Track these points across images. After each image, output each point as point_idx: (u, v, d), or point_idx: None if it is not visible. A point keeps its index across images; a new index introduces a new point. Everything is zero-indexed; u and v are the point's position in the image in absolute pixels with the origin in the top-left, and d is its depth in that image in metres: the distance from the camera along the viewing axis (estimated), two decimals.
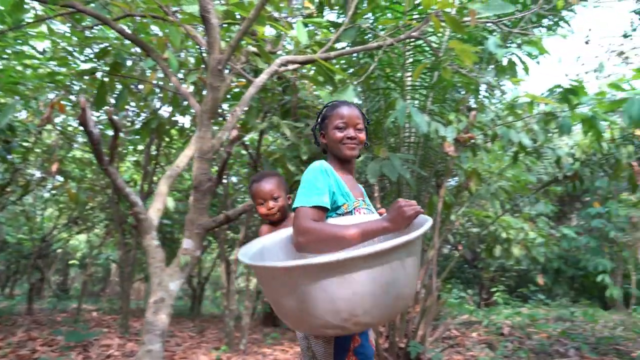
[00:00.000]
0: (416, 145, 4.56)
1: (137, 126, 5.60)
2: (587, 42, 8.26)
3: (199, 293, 10.41)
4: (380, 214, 1.68)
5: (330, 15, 4.59)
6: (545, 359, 4.84)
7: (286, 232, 1.69)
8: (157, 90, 4.70)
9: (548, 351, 5.01)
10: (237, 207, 2.66)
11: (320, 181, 1.54)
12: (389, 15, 4.16)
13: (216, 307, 12.94)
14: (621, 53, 7.82)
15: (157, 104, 5.19)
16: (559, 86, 3.94)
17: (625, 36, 8.04)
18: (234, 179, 7.91)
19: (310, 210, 1.48)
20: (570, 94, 3.84)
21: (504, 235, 6.36)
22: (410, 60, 4.26)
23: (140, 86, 4.78)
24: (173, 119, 5.36)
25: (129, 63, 4.24)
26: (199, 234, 2.56)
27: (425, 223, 1.31)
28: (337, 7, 4.14)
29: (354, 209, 1.64)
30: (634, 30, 8.01)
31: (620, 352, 4.81)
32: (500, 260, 8.54)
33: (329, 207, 1.53)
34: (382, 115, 4.39)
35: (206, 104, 2.34)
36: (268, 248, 1.62)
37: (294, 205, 1.52)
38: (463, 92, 4.57)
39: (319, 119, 1.81)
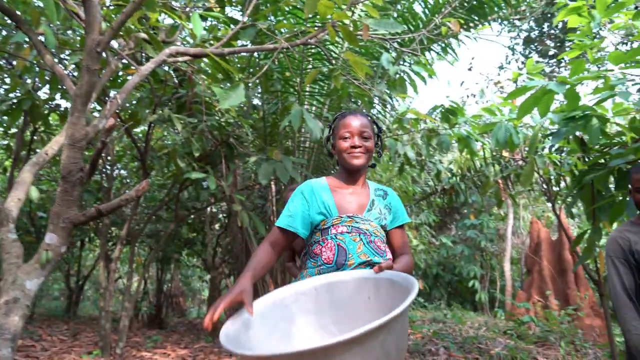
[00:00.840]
0: (310, 150, 4.66)
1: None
2: (470, 69, 9.23)
3: (77, 293, 9.58)
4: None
5: (235, 14, 4.53)
6: (418, 357, 5.19)
7: (273, 296, 1.50)
8: (37, 68, 4.25)
9: (421, 351, 5.37)
10: (112, 201, 2.50)
11: (293, 203, 1.68)
12: (292, 20, 4.22)
13: (97, 309, 12.00)
14: (497, 82, 8.86)
15: (37, 84, 4.69)
16: (441, 106, 4.29)
17: (500, 68, 9.19)
18: (123, 172, 7.44)
19: (274, 229, 1.66)
20: (450, 114, 4.21)
21: None
22: (310, 66, 4.35)
23: (15, 62, 4.28)
24: (55, 102, 4.89)
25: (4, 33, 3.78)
26: (65, 228, 2.34)
27: (411, 292, 1.22)
28: (238, 5, 4.10)
29: (332, 225, 1.64)
30: (509, 63, 9.17)
31: (481, 350, 5.31)
32: None
33: (291, 229, 1.63)
34: (278, 117, 4.42)
35: (81, 87, 2.16)
36: (250, 320, 1.41)
37: None
38: (359, 103, 4.78)
39: (329, 131, 1.79)
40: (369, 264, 1.60)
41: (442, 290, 11.19)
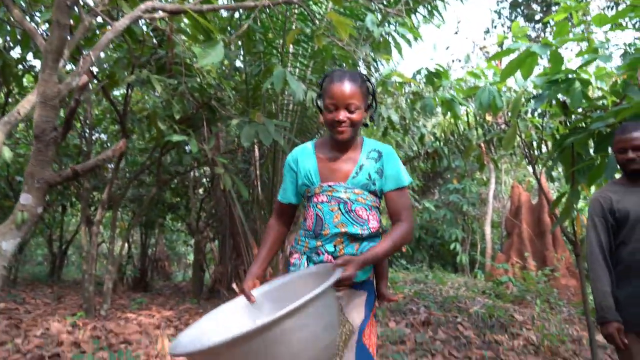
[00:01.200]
0: (294, 113, 4.61)
1: None
2: (456, 33, 9.16)
3: (60, 257, 9.54)
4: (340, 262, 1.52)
5: None
6: (400, 315, 5.35)
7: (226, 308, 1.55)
8: (8, 27, 4.06)
9: (403, 310, 5.53)
10: (88, 161, 2.45)
11: (284, 177, 1.76)
12: None
13: (81, 273, 12.01)
14: (483, 47, 8.81)
15: (9, 43, 4.50)
16: (425, 69, 4.25)
17: (486, 32, 9.12)
18: (103, 136, 7.30)
19: (276, 203, 1.79)
20: (434, 77, 4.17)
21: None
22: (294, 27, 4.24)
23: None
24: (29, 63, 4.71)
25: None
26: (40, 188, 2.30)
27: (334, 274, 1.31)
28: None
29: (314, 194, 1.64)
30: (495, 27, 9.11)
31: (460, 308, 5.49)
32: None
33: (285, 202, 1.76)
34: (261, 79, 4.34)
35: (51, 42, 2.07)
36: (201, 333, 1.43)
37: None
38: (343, 65, 4.69)
39: (320, 89, 1.70)
40: (345, 234, 1.60)
41: (424, 252, 11.45)
